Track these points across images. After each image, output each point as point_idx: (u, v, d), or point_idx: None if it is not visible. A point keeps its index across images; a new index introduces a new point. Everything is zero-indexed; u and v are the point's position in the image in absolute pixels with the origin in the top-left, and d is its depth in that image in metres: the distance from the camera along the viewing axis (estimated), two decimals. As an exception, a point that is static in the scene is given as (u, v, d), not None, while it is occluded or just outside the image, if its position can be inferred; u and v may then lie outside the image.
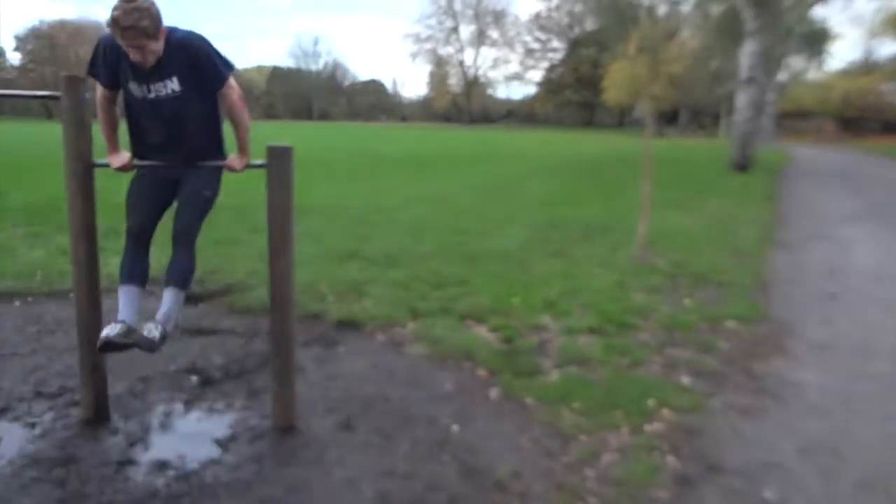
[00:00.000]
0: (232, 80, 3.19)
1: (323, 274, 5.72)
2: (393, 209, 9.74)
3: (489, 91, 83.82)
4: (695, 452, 3.03)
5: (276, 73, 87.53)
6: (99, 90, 3.14)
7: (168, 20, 2.99)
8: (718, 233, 8.59)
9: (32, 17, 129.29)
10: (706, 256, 7.04)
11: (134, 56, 2.89)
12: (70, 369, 3.63)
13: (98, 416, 3.15)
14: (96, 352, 3.09)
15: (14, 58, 74.58)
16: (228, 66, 3.18)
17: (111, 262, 5.63)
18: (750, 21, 18.92)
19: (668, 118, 53.56)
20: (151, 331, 3.03)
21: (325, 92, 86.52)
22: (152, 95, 3.06)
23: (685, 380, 3.83)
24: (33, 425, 3.12)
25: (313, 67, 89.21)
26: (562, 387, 3.65)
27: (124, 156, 3.22)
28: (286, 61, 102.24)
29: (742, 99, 19.47)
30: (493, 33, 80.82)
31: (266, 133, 23.28)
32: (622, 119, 67.64)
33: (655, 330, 4.66)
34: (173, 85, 3.04)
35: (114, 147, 3.24)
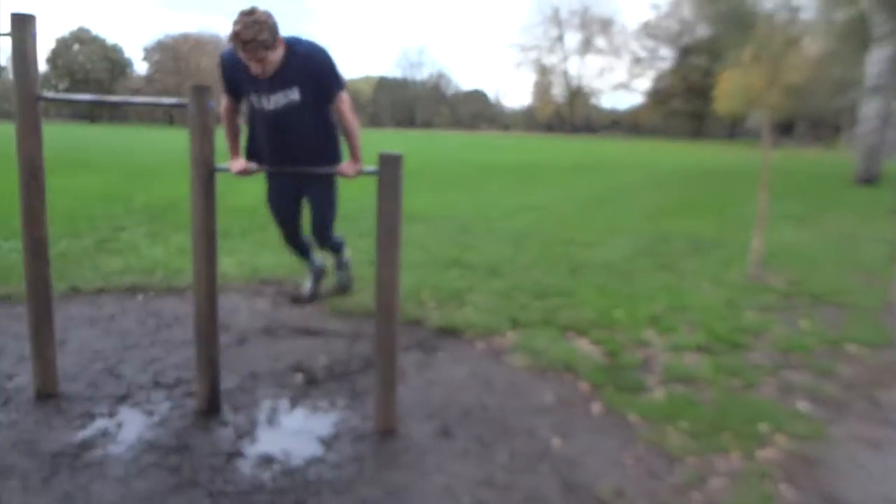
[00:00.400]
0: (343, 92, 3.31)
1: (425, 281, 5.77)
2: (496, 218, 9.73)
3: (593, 100, 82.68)
4: (811, 483, 2.84)
5: (383, 84, 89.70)
6: (224, 102, 3.33)
7: (283, 32, 3.12)
8: (840, 250, 8.09)
9: (159, 32, 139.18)
10: (826, 275, 6.64)
11: (254, 69, 3.03)
12: (186, 362, 3.82)
13: (210, 408, 3.29)
14: (212, 346, 3.24)
15: (142, 68, 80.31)
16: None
17: (225, 261, 5.92)
18: (879, 25, 17.78)
19: (784, 129, 51.04)
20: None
21: (429, 101, 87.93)
22: (271, 107, 3.20)
23: (802, 405, 3.61)
24: (151, 413, 3.29)
25: (418, 77, 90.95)
26: (668, 405, 3.52)
27: (242, 161, 3.39)
28: (393, 71, 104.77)
29: (868, 109, 18.30)
30: (600, 41, 79.85)
31: (373, 141, 23.80)
32: (733, 130, 65.02)
33: (769, 351, 4.42)
34: (293, 95, 3.17)
35: (235, 153, 3.43)
